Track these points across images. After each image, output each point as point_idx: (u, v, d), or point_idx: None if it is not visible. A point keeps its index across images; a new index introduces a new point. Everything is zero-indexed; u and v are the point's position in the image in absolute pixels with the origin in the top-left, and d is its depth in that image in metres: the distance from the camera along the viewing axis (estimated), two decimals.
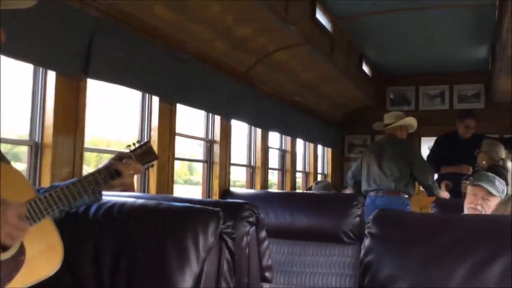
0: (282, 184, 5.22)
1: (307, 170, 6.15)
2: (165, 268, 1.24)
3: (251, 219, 1.51)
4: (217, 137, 3.68)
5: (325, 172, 6.93)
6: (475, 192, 2.52)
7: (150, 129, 2.86)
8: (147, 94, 2.86)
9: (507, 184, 3.83)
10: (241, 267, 1.45)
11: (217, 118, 3.69)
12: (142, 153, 1.52)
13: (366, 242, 1.18)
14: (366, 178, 4.33)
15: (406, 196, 4.19)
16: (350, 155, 7.26)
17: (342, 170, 7.25)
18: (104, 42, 2.29)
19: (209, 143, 3.66)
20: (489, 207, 2.37)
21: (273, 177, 5.36)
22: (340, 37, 4.68)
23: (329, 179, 6.92)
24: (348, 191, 5.53)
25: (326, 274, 2.68)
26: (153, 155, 1.56)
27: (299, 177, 5.97)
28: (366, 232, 1.18)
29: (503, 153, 4.30)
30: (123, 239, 1.33)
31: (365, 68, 5.95)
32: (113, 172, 1.39)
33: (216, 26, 3.00)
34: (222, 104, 3.54)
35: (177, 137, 3.12)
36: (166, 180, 2.88)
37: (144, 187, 2.79)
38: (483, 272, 1.00)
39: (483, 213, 2.42)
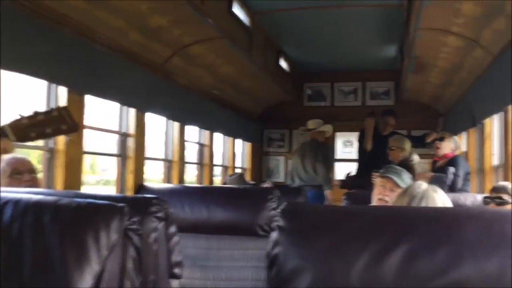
0: (200, 178, 5.18)
1: (226, 164, 6.15)
2: (63, 268, 1.16)
3: (159, 214, 1.46)
4: (132, 130, 3.56)
5: (244, 166, 6.97)
6: (383, 184, 2.63)
7: None
8: (54, 84, 2.70)
9: (415, 177, 4.07)
10: (148, 264, 1.40)
11: (132, 111, 3.57)
12: (41, 122, 1.34)
13: (274, 235, 1.18)
14: (296, 175, 5.16)
15: (325, 189, 4.99)
16: (269, 149, 7.36)
17: (261, 164, 7.34)
18: (7, 29, 2.12)
19: (123, 137, 3.53)
20: None
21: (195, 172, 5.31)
22: (258, 32, 4.71)
23: (248, 173, 6.97)
24: (267, 184, 5.61)
25: (242, 267, 2.68)
26: (64, 124, 1.36)
27: (219, 172, 5.96)
28: (274, 225, 1.18)
29: (409, 146, 4.55)
30: (17, 238, 1.23)
31: (283, 64, 6.04)
32: None
33: (129, 15, 2.89)
34: (137, 96, 3.43)
35: (91, 131, 2.98)
36: (75, 176, 2.74)
37: (49, 184, 2.63)
38: (383, 261, 1.02)
39: (390, 204, 2.52)
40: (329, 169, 5.00)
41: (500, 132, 3.77)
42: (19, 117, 1.34)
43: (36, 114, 1.37)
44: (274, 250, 1.14)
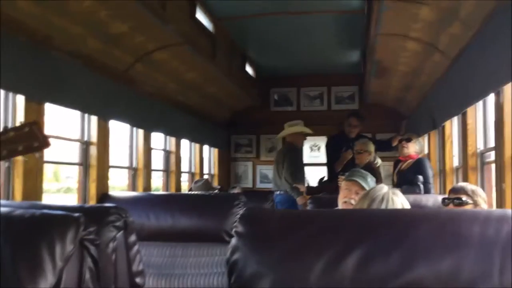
0: (166, 185, 5.13)
1: (193, 171, 6.11)
2: (16, 281, 1.13)
3: (117, 224, 1.44)
4: (94, 138, 3.49)
5: (212, 172, 6.94)
6: (349, 187, 2.66)
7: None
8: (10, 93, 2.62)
9: (379, 179, 4.14)
10: (107, 274, 1.37)
11: (94, 119, 3.50)
12: (12, 139, 1.28)
13: (233, 241, 1.18)
14: (272, 179, 5.27)
15: (293, 195, 4.88)
16: (236, 155, 7.36)
17: (229, 170, 7.32)
18: None
19: (85, 145, 3.46)
20: None
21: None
22: (222, 38, 4.70)
23: (216, 179, 6.95)
24: (237, 190, 5.60)
25: (208, 274, 2.67)
26: (36, 140, 1.29)
27: (186, 179, 5.91)
28: (233, 231, 1.18)
29: (374, 149, 4.63)
30: None
31: (249, 69, 6.05)
32: None
33: (87, 21, 2.84)
34: (98, 103, 3.37)
35: (51, 140, 2.90)
36: (34, 186, 2.66)
37: (7, 195, 2.55)
38: (340, 263, 1.03)
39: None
40: (292, 175, 4.87)
41: (459, 134, 3.88)
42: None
43: (7, 130, 1.30)
44: (234, 256, 1.14)
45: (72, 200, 3.55)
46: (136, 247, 1.53)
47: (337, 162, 5.36)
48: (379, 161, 4.65)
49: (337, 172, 5.18)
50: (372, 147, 4.60)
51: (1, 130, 1.27)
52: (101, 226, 1.39)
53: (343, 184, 2.76)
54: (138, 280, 1.53)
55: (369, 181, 2.67)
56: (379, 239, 1.04)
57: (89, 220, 1.27)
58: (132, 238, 1.51)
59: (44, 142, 1.34)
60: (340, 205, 2.69)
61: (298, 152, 5.22)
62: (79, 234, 1.21)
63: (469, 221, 1.04)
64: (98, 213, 1.44)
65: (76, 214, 1.24)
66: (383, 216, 1.15)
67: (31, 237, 1.18)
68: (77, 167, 3.46)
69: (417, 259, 0.99)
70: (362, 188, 2.60)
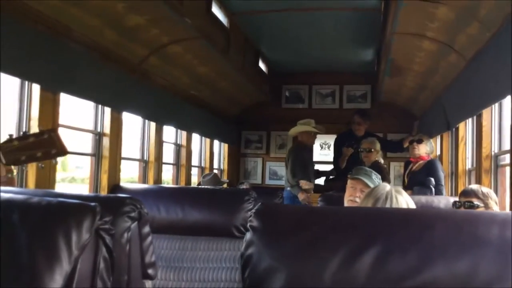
0: (176, 179, 5.14)
1: (203, 165, 6.12)
2: (32, 268, 1.14)
3: (132, 214, 1.44)
4: (107, 129, 3.52)
5: (222, 167, 6.95)
6: (354, 185, 2.66)
7: (30, 119, 2.65)
8: (26, 82, 2.64)
9: (386, 179, 4.13)
10: (121, 265, 1.38)
11: (108, 110, 3.53)
12: (32, 145, 1.31)
13: (248, 235, 1.18)
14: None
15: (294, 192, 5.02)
16: (246, 151, 7.35)
17: (238, 166, 7.33)
18: None
19: (98, 136, 3.48)
20: None
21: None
22: (236, 33, 4.70)
23: (225, 175, 6.96)
24: (245, 186, 5.62)
25: (217, 269, 2.68)
26: (54, 147, 1.34)
27: (196, 173, 5.93)
28: (248, 225, 1.18)
29: (379, 147, 4.62)
30: None
31: (262, 65, 6.04)
32: None
33: (105, 13, 2.85)
34: (112, 95, 3.39)
35: (64, 130, 2.93)
36: (47, 175, 2.68)
37: (21, 183, 2.57)
38: (355, 261, 1.03)
39: None
40: (292, 172, 5.04)
41: (473, 136, 3.85)
42: (8, 138, 1.29)
43: (27, 136, 1.33)
44: (248, 250, 1.14)
45: (77, 190, 3.56)
46: (149, 238, 1.54)
47: (340, 159, 5.43)
48: (381, 160, 4.65)
49: (342, 169, 5.21)
50: (378, 146, 4.59)
51: (21, 135, 1.30)
52: (116, 216, 1.39)
53: (348, 182, 2.76)
54: (150, 271, 1.54)
55: (374, 179, 2.67)
56: (395, 238, 1.03)
57: (105, 210, 1.28)
58: (146, 229, 1.52)
59: (62, 149, 1.37)
60: (346, 203, 2.70)
61: (305, 150, 5.29)
62: (95, 223, 1.21)
63: (486, 222, 1.03)
64: (113, 203, 1.45)
65: (92, 204, 1.24)
66: (399, 215, 1.14)
67: (47, 224, 1.19)
68: (87, 157, 3.49)
69: (433, 259, 0.98)
70: (367, 186, 2.60)
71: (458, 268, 0.97)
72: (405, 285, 0.97)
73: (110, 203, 1.42)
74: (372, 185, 2.56)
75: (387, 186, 1.87)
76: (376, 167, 3.89)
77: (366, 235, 1.07)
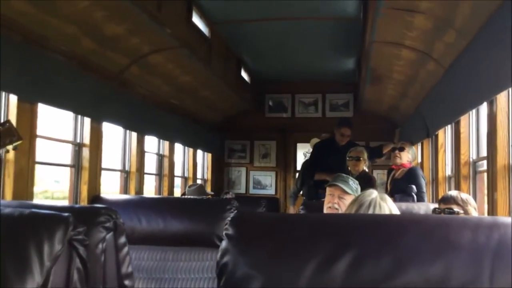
0: (159, 189, 5.10)
1: (186, 175, 6.09)
2: (3, 279, 1.12)
3: (107, 225, 1.42)
4: (87, 140, 3.48)
5: (205, 177, 6.91)
6: (332, 192, 2.67)
7: None
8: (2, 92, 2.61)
9: (374, 187, 4.13)
10: (95, 276, 1.36)
11: (88, 120, 3.49)
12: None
13: (223, 244, 1.17)
14: None
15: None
16: (230, 160, 7.33)
17: (222, 175, 7.30)
18: None
19: (78, 147, 3.44)
20: (345, 205, 2.52)
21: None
22: (218, 43, 4.71)
23: (209, 184, 6.92)
24: (229, 196, 5.59)
25: (198, 279, 2.65)
26: (13, 136, 1.36)
27: (179, 184, 5.89)
28: (223, 234, 1.17)
29: (366, 157, 4.63)
30: None
31: (244, 74, 6.05)
32: None
33: (83, 22, 2.83)
34: (92, 105, 3.36)
35: (42, 141, 2.89)
36: (25, 187, 2.64)
37: None
38: (329, 267, 1.02)
39: (340, 211, 2.57)
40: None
41: (452, 143, 3.89)
42: None
43: None
44: (223, 259, 1.13)
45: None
46: (125, 249, 1.52)
47: (321, 173, 5.14)
48: (366, 169, 4.67)
49: (315, 181, 5.07)
50: (366, 155, 4.61)
51: None
52: (90, 227, 1.37)
53: (327, 189, 2.77)
54: (127, 282, 1.52)
55: (351, 184, 2.68)
56: (368, 243, 1.03)
57: (79, 221, 1.26)
58: (122, 240, 1.50)
59: (19, 136, 1.40)
60: (325, 210, 2.71)
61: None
62: (68, 234, 1.19)
63: (459, 227, 1.04)
64: (88, 213, 1.43)
65: (65, 214, 1.22)
66: (373, 220, 1.14)
67: (18, 235, 1.17)
68: (66, 170, 3.44)
69: (406, 264, 0.99)
70: (345, 192, 2.61)
71: (431, 272, 0.97)
72: None
73: (85, 214, 1.40)
74: (349, 191, 2.58)
75: (374, 193, 1.87)
76: (365, 177, 3.92)
77: (340, 240, 1.07)
